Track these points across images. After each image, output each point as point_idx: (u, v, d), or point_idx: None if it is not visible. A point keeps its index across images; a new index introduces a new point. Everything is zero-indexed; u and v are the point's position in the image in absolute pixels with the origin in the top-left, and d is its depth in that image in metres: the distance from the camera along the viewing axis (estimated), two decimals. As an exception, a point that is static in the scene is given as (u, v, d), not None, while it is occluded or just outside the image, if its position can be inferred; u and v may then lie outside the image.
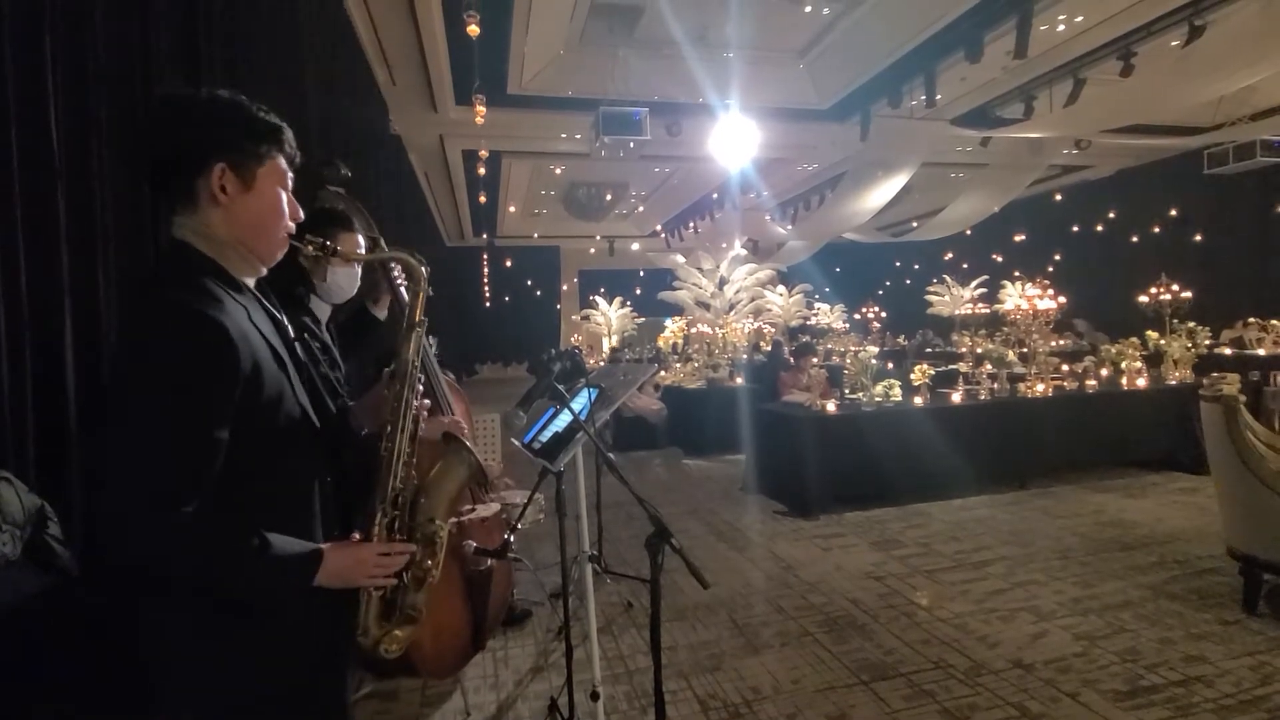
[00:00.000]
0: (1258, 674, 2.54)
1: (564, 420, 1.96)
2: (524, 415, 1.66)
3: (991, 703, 2.43)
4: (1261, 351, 7.61)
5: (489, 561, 2.25)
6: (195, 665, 1.05)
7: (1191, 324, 7.07)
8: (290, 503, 1.12)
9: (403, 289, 2.08)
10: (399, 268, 2.09)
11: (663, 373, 9.12)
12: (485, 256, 17.19)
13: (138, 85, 2.33)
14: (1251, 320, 8.05)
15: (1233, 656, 2.67)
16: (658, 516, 1.52)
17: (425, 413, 1.33)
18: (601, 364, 11.74)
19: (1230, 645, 2.76)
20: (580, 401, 1.95)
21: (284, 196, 1.13)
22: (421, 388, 1.30)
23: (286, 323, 1.22)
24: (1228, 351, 7.90)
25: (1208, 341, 7.25)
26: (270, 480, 1.08)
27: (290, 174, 1.16)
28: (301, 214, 1.19)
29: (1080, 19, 6.50)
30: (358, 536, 1.17)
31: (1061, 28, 6.65)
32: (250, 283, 1.15)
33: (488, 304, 18.01)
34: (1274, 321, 7.73)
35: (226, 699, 1.06)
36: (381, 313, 2.25)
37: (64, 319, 1.97)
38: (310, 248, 1.20)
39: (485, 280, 17.74)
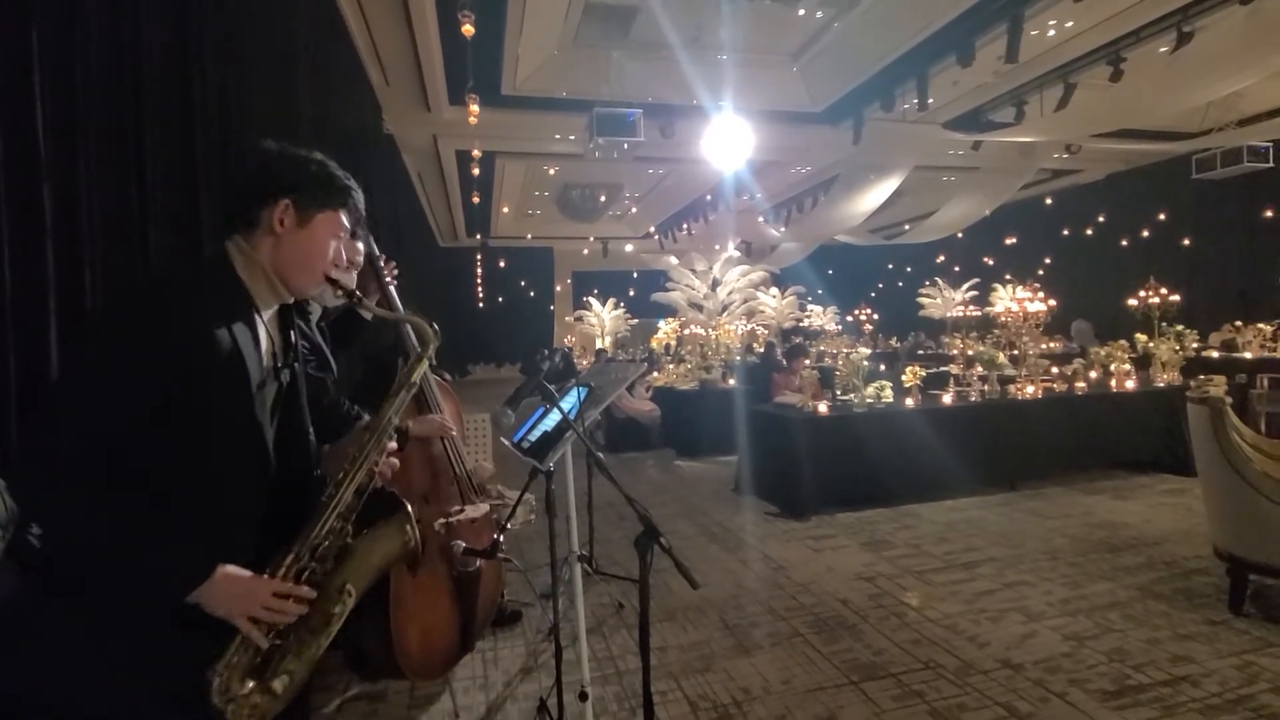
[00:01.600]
0: (1243, 673, 2.56)
1: (553, 419, 1.96)
2: (512, 414, 1.65)
3: (980, 703, 2.44)
4: (1248, 354, 7.69)
5: (478, 562, 2.24)
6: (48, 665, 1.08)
7: (1180, 327, 7.14)
8: (207, 514, 1.10)
9: (392, 287, 2.09)
10: (390, 271, 2.11)
11: (655, 374, 9.11)
12: (479, 257, 17.17)
13: (127, 86, 2.31)
14: (1239, 323, 8.13)
15: (1219, 656, 2.69)
16: (646, 516, 1.52)
17: (389, 471, 1.30)
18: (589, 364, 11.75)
19: (1216, 645, 2.78)
20: (569, 400, 1.95)
21: (333, 245, 1.26)
22: (394, 445, 1.29)
23: (289, 357, 1.27)
24: (1215, 354, 7.97)
25: (1195, 344, 7.31)
26: (190, 485, 1.09)
27: (348, 229, 1.30)
28: (345, 264, 1.32)
29: (1070, 24, 6.55)
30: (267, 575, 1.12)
31: (1052, 33, 6.70)
32: (269, 310, 1.24)
33: (481, 304, 17.99)
34: (1260, 325, 7.81)
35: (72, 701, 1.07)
36: (368, 312, 2.26)
37: (49, 320, 1.96)
38: (339, 291, 1.30)
39: (479, 281, 17.72)
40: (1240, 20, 5.72)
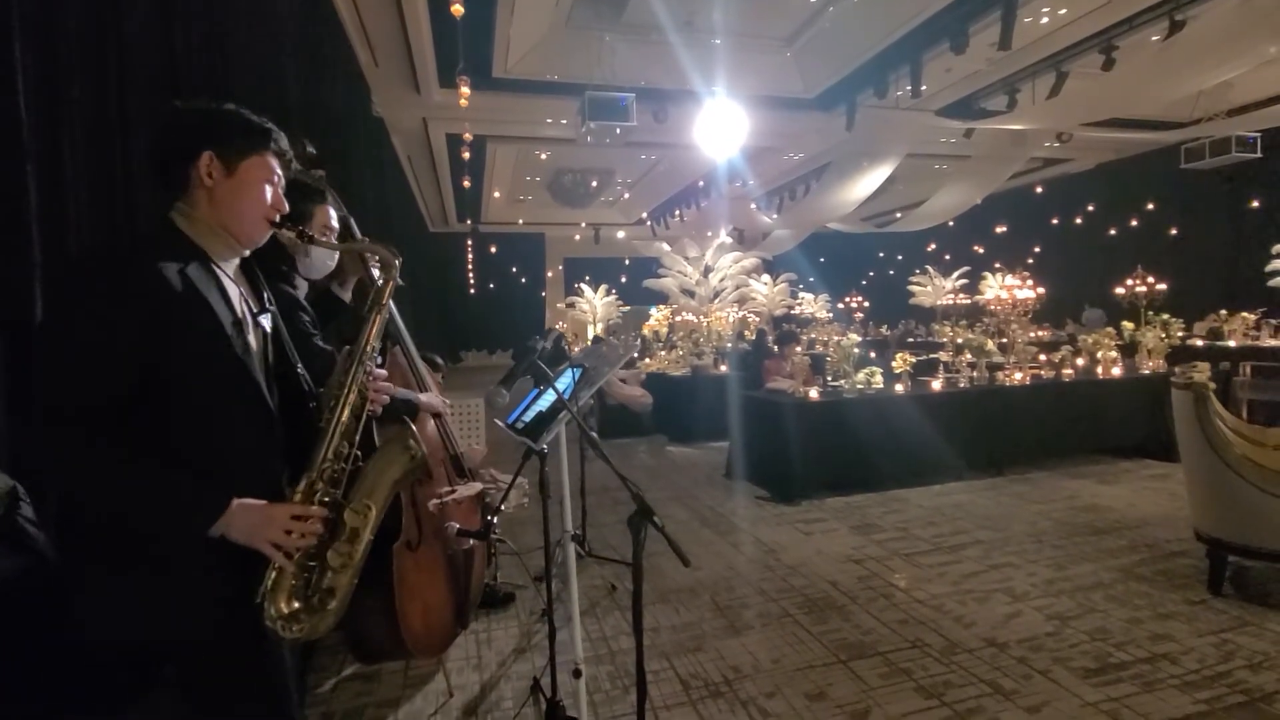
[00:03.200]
0: (1220, 651, 2.62)
1: (547, 400, 1.96)
2: (506, 394, 1.66)
3: (965, 680, 2.48)
4: (1232, 343, 7.79)
5: (470, 542, 2.26)
6: (98, 614, 1.12)
7: (1165, 315, 7.22)
8: (216, 458, 1.15)
9: (376, 270, 2.08)
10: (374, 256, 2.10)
11: (647, 360, 9.12)
12: (470, 243, 17.05)
13: (111, 65, 2.27)
14: (1223, 311, 8.23)
15: (1198, 635, 2.75)
16: (640, 495, 1.54)
17: (386, 397, 1.35)
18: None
19: (1196, 624, 2.84)
20: (563, 381, 1.95)
21: (268, 190, 1.25)
22: (377, 367, 1.33)
23: (265, 304, 1.29)
24: (1199, 342, 8.07)
25: (1180, 333, 7.40)
26: (198, 430, 1.14)
27: (280, 173, 1.28)
28: (286, 207, 1.30)
29: (1064, 11, 6.55)
30: None
31: (1045, 20, 6.71)
32: (230, 265, 1.25)
33: (473, 291, 17.89)
34: (1244, 314, 7.92)
35: (124, 646, 1.16)
36: (346, 295, 2.26)
37: (34, 299, 1.94)
38: (287, 232, 1.29)
39: (470, 267, 17.61)
40: (1232, 9, 5.74)
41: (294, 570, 1.16)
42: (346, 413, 1.23)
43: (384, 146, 8.52)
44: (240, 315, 1.21)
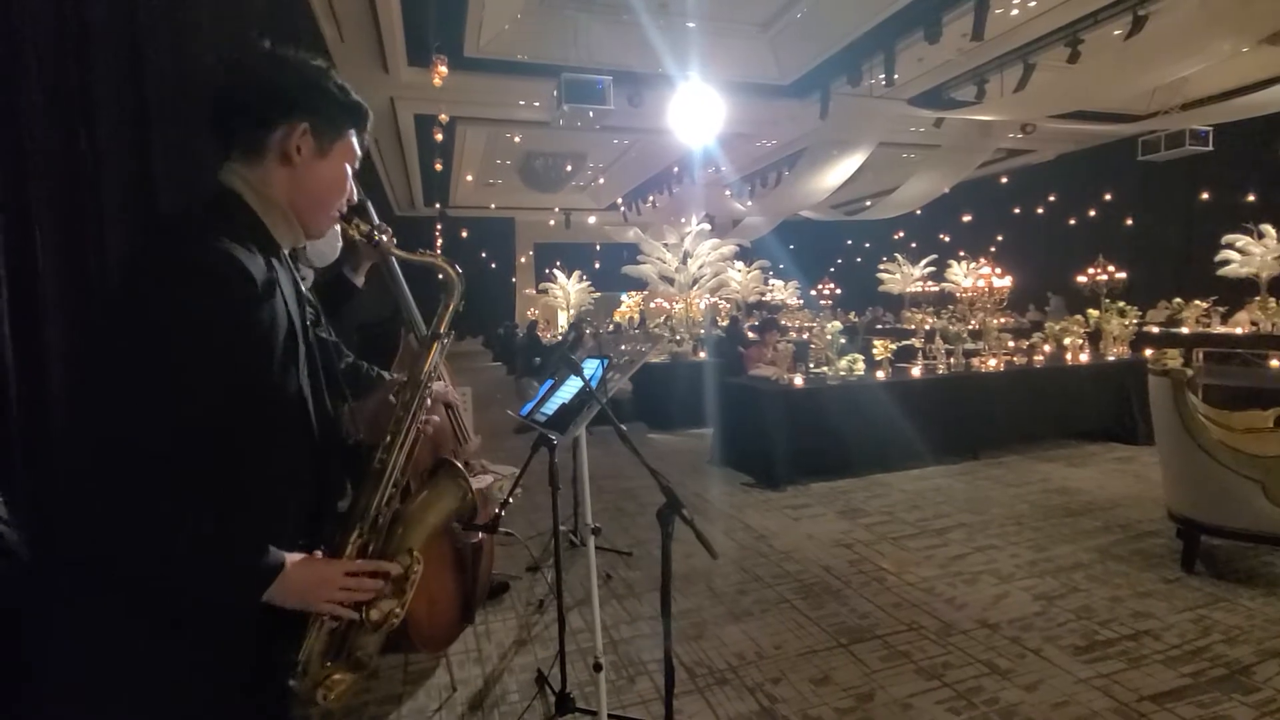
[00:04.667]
0: (1199, 626, 2.74)
1: (570, 392, 1.91)
2: (537, 385, 1.61)
3: (963, 660, 2.54)
4: (1185, 330, 8.14)
5: (478, 535, 2.20)
6: (115, 672, 0.95)
7: (1121, 303, 7.48)
8: (263, 500, 0.98)
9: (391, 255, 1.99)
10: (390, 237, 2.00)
11: (623, 347, 9.07)
12: (438, 227, 16.67)
13: (70, 35, 2.11)
14: (1178, 300, 8.57)
15: (1176, 611, 2.87)
16: (670, 488, 1.51)
17: (430, 429, 1.22)
18: (558, 337, 11.64)
19: (1173, 601, 2.97)
20: (589, 373, 1.91)
21: (350, 174, 1.10)
22: (430, 400, 1.19)
23: (311, 300, 1.14)
24: (1154, 329, 8.42)
25: (1135, 320, 7.69)
26: (249, 468, 0.96)
27: (360, 157, 1.12)
28: (356, 196, 1.15)
29: (1033, 4, 6.68)
30: (320, 554, 1.03)
31: (1015, 12, 6.83)
32: (286, 251, 1.09)
33: (441, 276, 17.54)
34: (1197, 301, 8.27)
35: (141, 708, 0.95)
36: (359, 280, 2.15)
37: (1, 288, 1.80)
38: (356, 234, 1.19)
39: (438, 251, 17.25)
40: (1194, 7, 5.92)
41: (342, 630, 1.02)
42: (403, 455, 1.09)
43: (350, 126, 8.24)
44: (294, 320, 1.03)
